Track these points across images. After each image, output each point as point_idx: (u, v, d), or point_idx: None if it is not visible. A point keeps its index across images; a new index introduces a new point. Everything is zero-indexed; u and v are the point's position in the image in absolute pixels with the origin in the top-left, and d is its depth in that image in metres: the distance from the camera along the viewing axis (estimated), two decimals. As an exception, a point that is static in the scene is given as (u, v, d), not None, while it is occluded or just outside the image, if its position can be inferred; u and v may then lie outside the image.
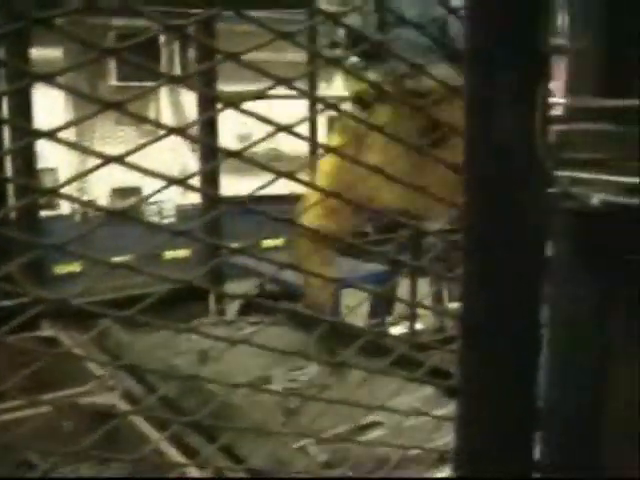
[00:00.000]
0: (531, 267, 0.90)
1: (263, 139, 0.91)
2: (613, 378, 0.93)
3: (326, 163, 4.25)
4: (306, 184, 1.00)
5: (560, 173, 0.90)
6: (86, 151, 0.69)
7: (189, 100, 10.55)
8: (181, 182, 0.83)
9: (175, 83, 0.89)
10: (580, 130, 0.91)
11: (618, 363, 0.95)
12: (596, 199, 0.86)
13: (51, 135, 0.68)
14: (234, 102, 0.89)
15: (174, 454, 3.09)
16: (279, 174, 0.88)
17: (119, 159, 0.68)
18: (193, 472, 3.01)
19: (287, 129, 0.88)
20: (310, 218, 4.07)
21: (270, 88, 0.89)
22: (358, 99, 3.88)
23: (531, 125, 0.85)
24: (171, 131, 0.81)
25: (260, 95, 0.93)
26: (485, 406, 0.92)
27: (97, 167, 0.68)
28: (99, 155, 0.68)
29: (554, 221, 0.91)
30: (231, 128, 8.76)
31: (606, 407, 0.94)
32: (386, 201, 3.82)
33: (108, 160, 0.67)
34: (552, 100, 0.88)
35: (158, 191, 0.88)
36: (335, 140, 4.31)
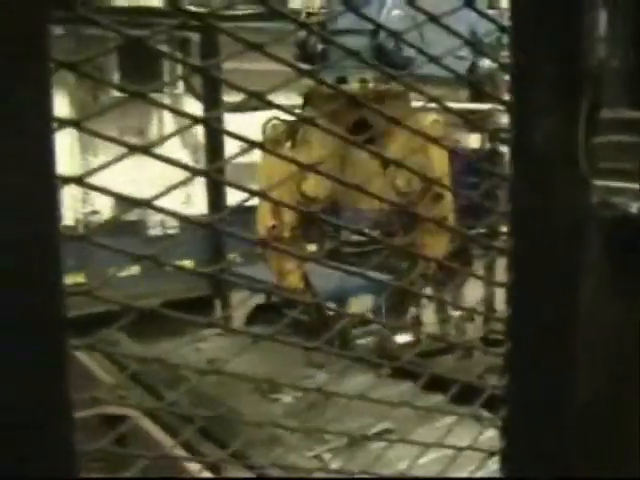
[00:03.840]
0: (572, 272, 0.92)
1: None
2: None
3: (264, 166, 4.72)
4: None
5: (597, 182, 0.92)
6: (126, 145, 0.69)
7: (192, 109, 10.58)
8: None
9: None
10: (614, 141, 0.93)
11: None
12: (635, 208, 0.89)
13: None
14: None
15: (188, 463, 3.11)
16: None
17: (144, 149, 0.69)
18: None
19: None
20: (262, 219, 4.59)
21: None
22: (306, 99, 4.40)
23: (574, 136, 0.88)
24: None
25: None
26: (530, 409, 0.94)
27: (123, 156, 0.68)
28: (127, 145, 0.69)
29: (592, 228, 0.93)
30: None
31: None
32: (317, 193, 4.25)
33: (134, 149, 0.68)
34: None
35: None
36: (269, 140, 4.74)
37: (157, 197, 0.65)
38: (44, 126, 0.54)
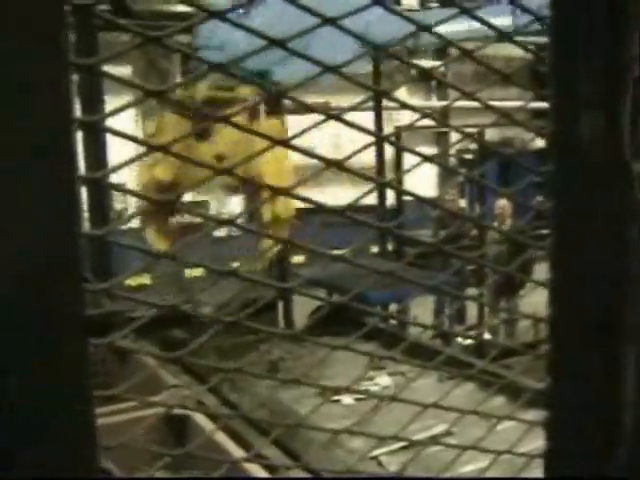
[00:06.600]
0: (617, 268, 0.89)
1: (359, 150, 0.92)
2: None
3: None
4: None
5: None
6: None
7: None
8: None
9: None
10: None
11: None
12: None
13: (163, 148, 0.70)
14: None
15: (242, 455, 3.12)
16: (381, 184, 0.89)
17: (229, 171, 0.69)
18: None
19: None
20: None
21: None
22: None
23: (618, 128, 0.85)
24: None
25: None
26: (574, 409, 0.92)
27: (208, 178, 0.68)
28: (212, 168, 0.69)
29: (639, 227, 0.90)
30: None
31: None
32: (163, 177, 5.19)
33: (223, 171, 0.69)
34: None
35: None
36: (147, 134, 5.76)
37: (178, 198, 0.65)
38: (64, 126, 0.55)
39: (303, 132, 0.78)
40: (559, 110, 0.89)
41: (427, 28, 0.93)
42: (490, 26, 0.94)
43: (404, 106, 1.08)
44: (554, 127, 0.89)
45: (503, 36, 0.97)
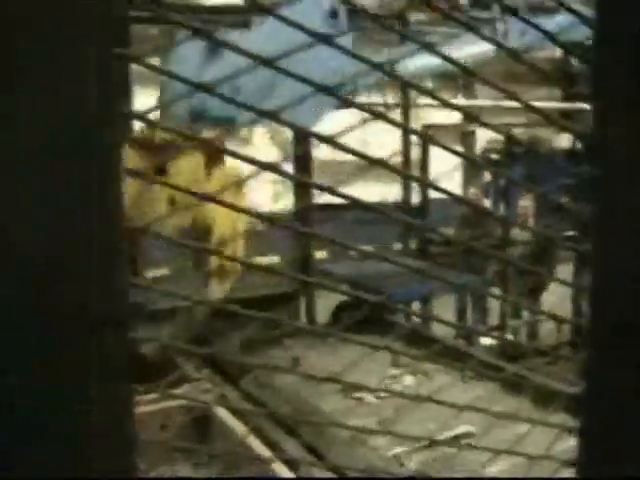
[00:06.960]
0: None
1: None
2: None
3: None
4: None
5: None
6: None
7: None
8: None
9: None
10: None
11: None
12: None
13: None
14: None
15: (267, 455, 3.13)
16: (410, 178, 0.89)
17: (271, 167, 0.70)
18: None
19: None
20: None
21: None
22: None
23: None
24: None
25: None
26: (609, 415, 0.91)
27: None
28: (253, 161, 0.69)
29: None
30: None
31: None
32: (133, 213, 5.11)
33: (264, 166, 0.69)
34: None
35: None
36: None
37: (217, 194, 0.65)
38: (110, 119, 0.55)
39: (349, 129, 0.78)
40: (599, 111, 0.89)
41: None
42: (538, 28, 0.93)
43: (435, 99, 1.07)
44: (594, 128, 0.89)
45: (550, 38, 0.97)
